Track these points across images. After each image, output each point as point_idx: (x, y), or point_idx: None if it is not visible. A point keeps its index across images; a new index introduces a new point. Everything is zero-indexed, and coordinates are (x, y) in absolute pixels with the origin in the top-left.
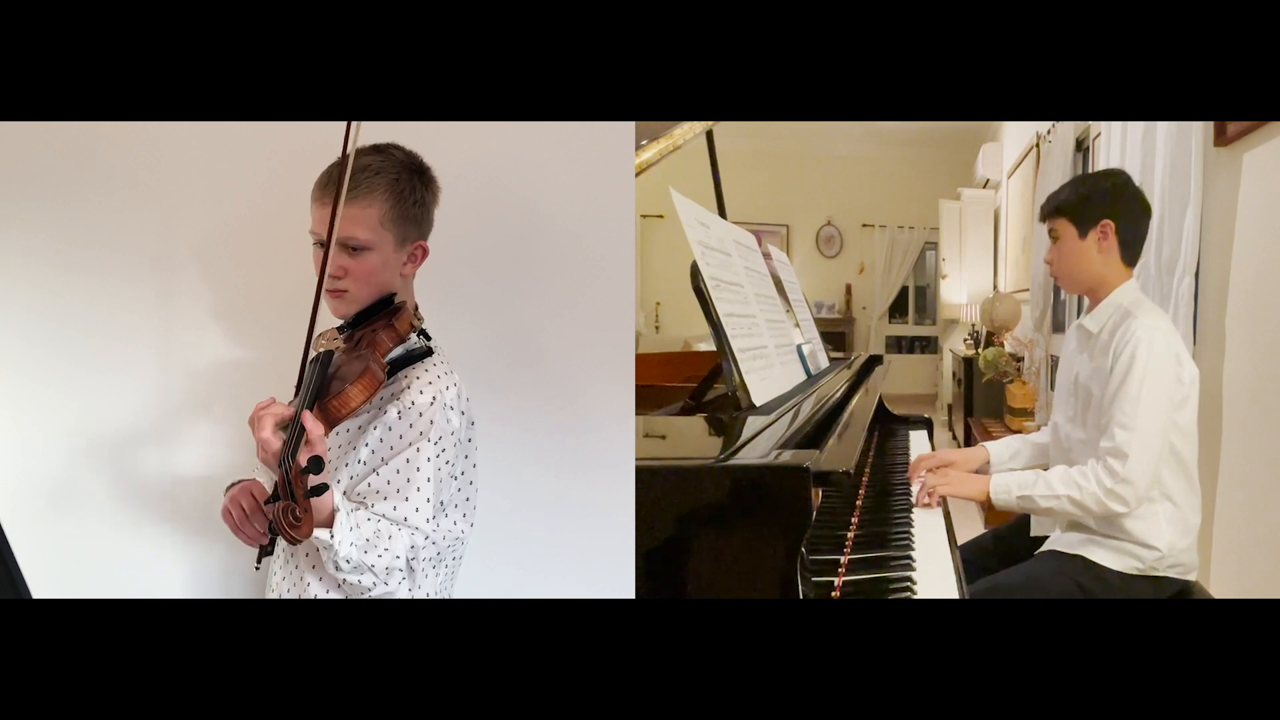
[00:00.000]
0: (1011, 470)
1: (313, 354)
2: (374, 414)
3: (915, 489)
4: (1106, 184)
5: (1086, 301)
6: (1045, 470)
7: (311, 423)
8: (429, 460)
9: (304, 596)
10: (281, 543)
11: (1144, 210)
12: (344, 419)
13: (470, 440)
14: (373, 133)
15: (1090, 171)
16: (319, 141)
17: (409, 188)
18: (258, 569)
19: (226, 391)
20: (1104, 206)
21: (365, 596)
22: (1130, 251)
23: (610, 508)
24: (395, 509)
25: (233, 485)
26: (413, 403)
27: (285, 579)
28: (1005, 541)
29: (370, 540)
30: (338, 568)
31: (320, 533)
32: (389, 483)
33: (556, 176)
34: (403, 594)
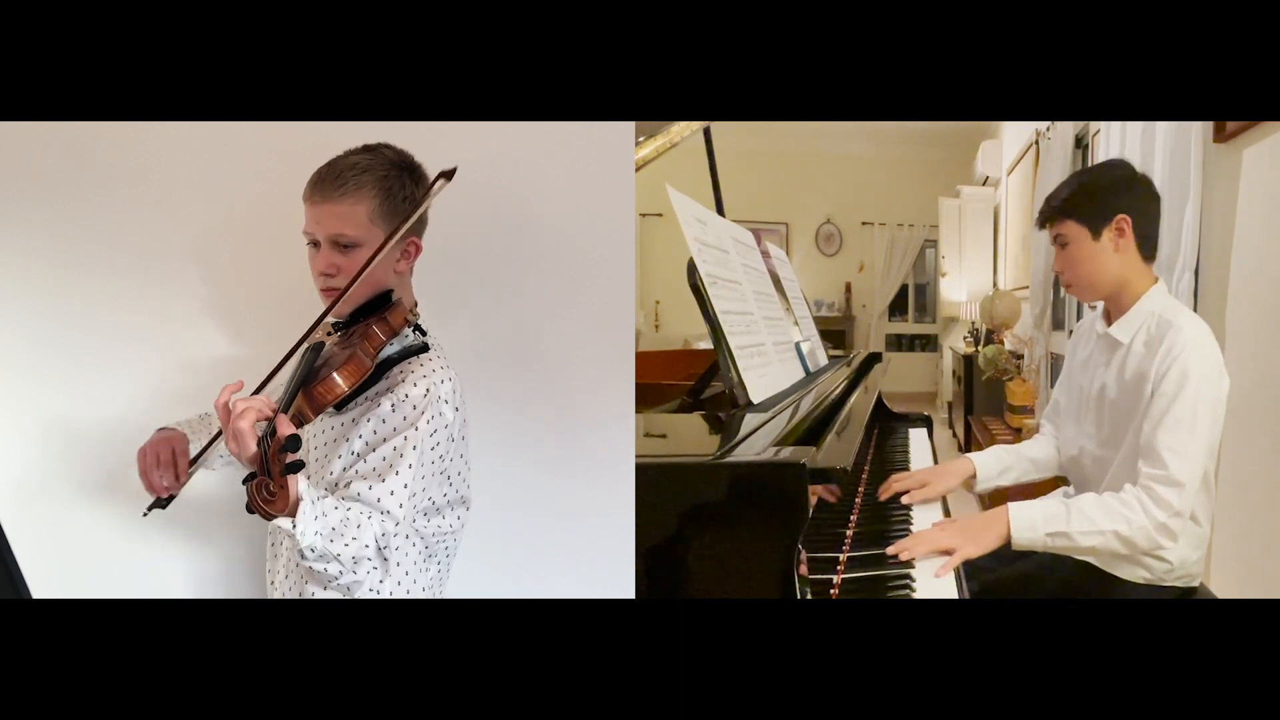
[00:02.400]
0: (1000, 487)
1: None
2: (368, 407)
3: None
4: (1113, 176)
5: (1098, 305)
6: (1055, 493)
7: (288, 418)
8: (414, 449)
9: (304, 596)
10: (285, 543)
11: (1155, 199)
12: (328, 405)
13: (464, 438)
14: (373, 133)
15: (1089, 166)
16: (319, 141)
17: (398, 184)
18: (144, 516)
19: None
20: (1116, 200)
21: (333, 585)
22: (1148, 246)
23: (610, 507)
24: (371, 488)
25: (163, 429)
26: (406, 395)
27: (287, 578)
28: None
29: (336, 529)
30: (302, 555)
31: (283, 521)
32: (374, 469)
33: (556, 176)
34: (374, 582)
